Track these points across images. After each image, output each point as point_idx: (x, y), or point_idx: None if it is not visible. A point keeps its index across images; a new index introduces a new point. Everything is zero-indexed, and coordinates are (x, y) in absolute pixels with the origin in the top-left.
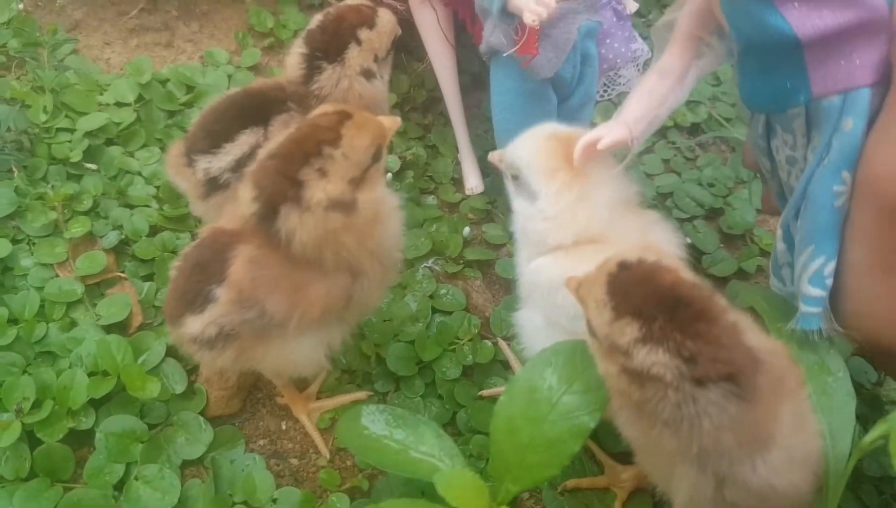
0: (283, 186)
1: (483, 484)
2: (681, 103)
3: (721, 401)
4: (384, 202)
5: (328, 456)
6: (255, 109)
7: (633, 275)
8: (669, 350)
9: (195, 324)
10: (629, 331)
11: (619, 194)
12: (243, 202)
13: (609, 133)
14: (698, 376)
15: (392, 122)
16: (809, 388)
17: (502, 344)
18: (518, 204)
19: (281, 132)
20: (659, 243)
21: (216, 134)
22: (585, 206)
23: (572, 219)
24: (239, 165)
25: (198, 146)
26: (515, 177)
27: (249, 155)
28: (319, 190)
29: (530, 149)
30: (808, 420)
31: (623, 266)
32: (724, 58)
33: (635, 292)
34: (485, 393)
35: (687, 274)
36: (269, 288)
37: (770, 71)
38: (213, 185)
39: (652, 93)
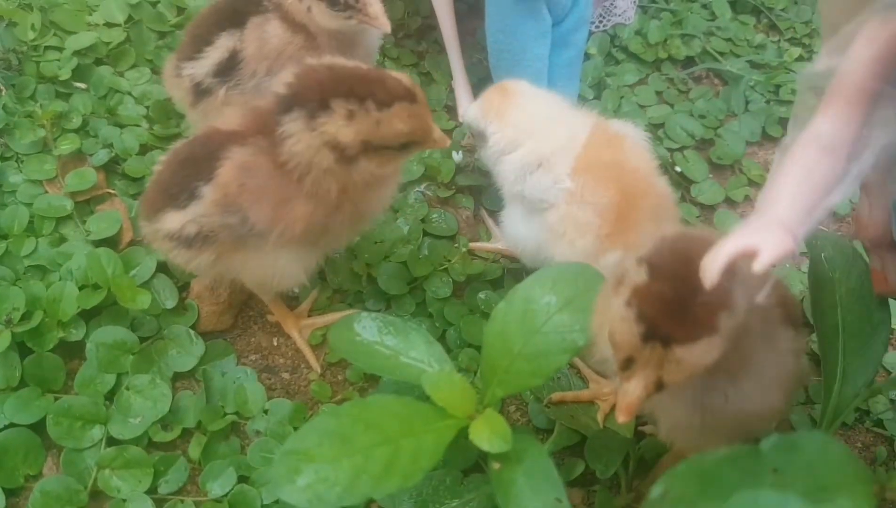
0: (313, 96)
1: (470, 387)
2: (853, 189)
3: None
4: (384, 182)
5: (319, 370)
6: (232, 12)
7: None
8: None
9: (175, 220)
10: None
11: (549, 99)
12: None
13: (769, 246)
14: None
15: (441, 139)
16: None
17: (483, 212)
18: (483, 152)
19: (254, 33)
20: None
21: (198, 39)
22: (523, 113)
23: (514, 127)
24: (219, 69)
25: (184, 53)
26: (473, 135)
27: (228, 58)
28: (334, 125)
29: (473, 107)
30: (777, 340)
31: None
32: None
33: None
34: (474, 246)
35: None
36: (256, 196)
37: None
38: (199, 91)
39: (815, 176)
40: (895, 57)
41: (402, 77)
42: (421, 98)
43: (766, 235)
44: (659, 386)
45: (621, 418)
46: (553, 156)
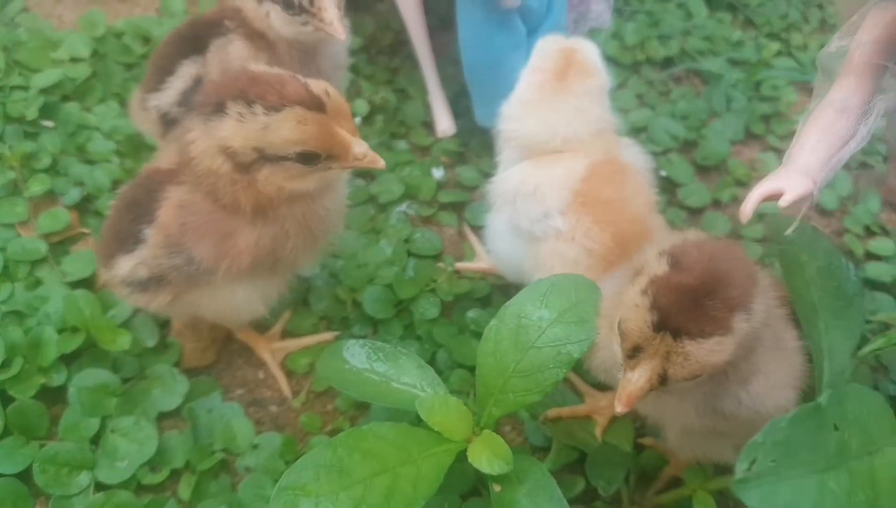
0: (211, 99)
1: (465, 409)
2: (862, 146)
3: None
4: (318, 197)
5: (290, 395)
6: (193, 38)
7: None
8: None
9: (125, 265)
10: None
11: (591, 113)
12: None
13: (792, 187)
14: None
15: (371, 160)
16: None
17: (467, 229)
18: None
19: (216, 56)
20: (626, 160)
21: (161, 69)
22: (548, 110)
23: (526, 114)
24: (185, 98)
25: (149, 86)
26: None
27: (193, 86)
28: (225, 129)
29: (539, 48)
30: (784, 339)
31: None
32: None
33: None
34: (460, 266)
35: None
36: (198, 234)
37: None
38: (166, 122)
39: (832, 133)
40: (894, 38)
41: (317, 84)
42: (333, 108)
43: (789, 179)
44: (663, 379)
45: (619, 408)
46: (548, 186)
